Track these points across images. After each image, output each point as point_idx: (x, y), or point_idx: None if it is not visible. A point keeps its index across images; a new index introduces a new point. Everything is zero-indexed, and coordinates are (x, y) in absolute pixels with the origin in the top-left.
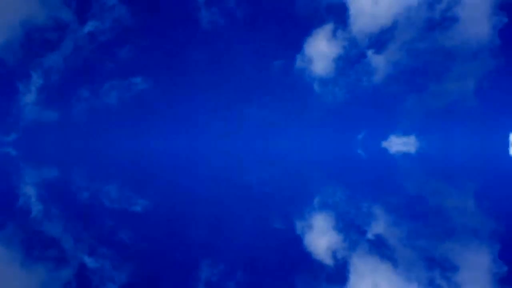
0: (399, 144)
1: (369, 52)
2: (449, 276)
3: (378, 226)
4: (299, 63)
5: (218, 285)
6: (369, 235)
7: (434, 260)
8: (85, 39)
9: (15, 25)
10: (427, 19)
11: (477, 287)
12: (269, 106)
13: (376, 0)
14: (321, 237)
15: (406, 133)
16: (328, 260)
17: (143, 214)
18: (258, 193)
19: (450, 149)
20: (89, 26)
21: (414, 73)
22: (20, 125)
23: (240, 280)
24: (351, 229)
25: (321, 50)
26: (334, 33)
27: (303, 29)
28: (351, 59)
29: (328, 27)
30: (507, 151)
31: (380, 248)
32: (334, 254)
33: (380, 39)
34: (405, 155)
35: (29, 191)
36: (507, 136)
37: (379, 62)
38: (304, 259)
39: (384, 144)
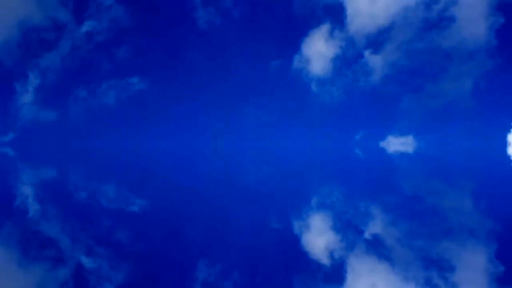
0: (396, 144)
1: (366, 53)
2: (446, 275)
3: (376, 226)
4: (296, 63)
5: (215, 285)
6: (367, 235)
7: (431, 259)
8: (82, 39)
9: (12, 25)
10: (424, 19)
11: (474, 287)
12: (266, 106)
13: (373, 0)
14: (318, 237)
15: (403, 133)
16: (325, 260)
17: (141, 214)
18: (255, 193)
19: (448, 149)
20: (86, 26)
21: (412, 73)
22: (17, 125)
23: (238, 280)
24: (348, 229)
25: (318, 50)
26: (331, 33)
27: (301, 29)
28: (349, 59)
29: (326, 27)
30: (505, 151)
31: (378, 248)
32: (331, 254)
33: (377, 40)
34: (403, 155)
35: (26, 191)
36: (505, 136)
37: (376, 62)
38: (301, 258)
39: (382, 144)
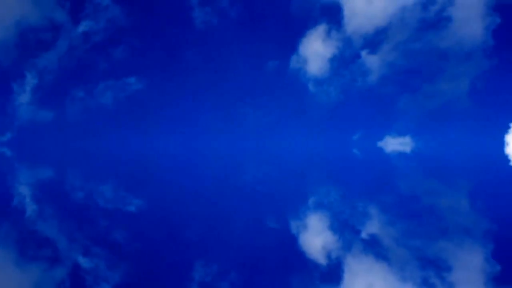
0: (394, 144)
1: (364, 53)
2: (443, 275)
3: (373, 226)
4: (294, 63)
5: (212, 285)
6: (364, 235)
7: (428, 259)
8: (79, 39)
9: (9, 25)
10: (421, 19)
11: (470, 286)
12: (264, 107)
13: (370, 1)
14: (316, 237)
15: (401, 133)
16: (322, 260)
17: (138, 214)
18: (253, 193)
19: (446, 149)
20: (83, 26)
21: (409, 73)
22: (14, 125)
23: (234, 280)
24: (345, 228)
25: (315, 51)
26: (328, 34)
27: (298, 29)
28: (346, 60)
29: (323, 28)
30: (503, 151)
31: (375, 248)
32: (328, 254)
33: (374, 40)
34: (401, 155)
35: (23, 191)
36: (503, 136)
37: (373, 62)
38: (298, 258)
39: (380, 144)
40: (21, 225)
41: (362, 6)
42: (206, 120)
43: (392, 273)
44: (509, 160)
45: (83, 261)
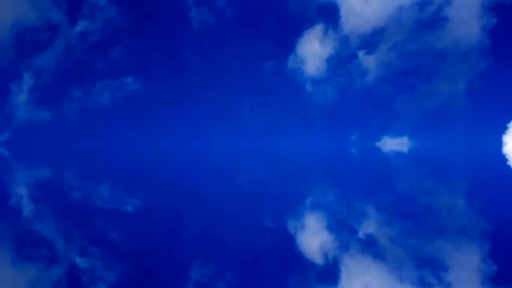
0: (392, 144)
1: (361, 53)
2: (440, 275)
3: (370, 226)
4: (291, 63)
5: (209, 285)
6: (361, 235)
7: (425, 259)
8: (76, 39)
9: (6, 25)
10: (418, 20)
11: (467, 286)
12: (261, 107)
13: (367, 1)
14: (313, 237)
15: (398, 133)
16: (319, 260)
17: (135, 214)
18: (250, 193)
19: (443, 149)
20: (80, 26)
21: (406, 73)
22: (12, 125)
23: (231, 280)
24: (342, 228)
25: (313, 51)
26: (325, 34)
27: (295, 29)
28: (343, 60)
29: (320, 28)
30: (500, 151)
31: (372, 248)
32: (325, 254)
33: (372, 40)
34: (398, 156)
35: (21, 191)
36: (500, 136)
37: (370, 62)
38: (296, 258)
39: (377, 144)
40: (18, 225)
41: (359, 6)
42: (203, 120)
43: (389, 272)
44: (506, 160)
45: (80, 261)
